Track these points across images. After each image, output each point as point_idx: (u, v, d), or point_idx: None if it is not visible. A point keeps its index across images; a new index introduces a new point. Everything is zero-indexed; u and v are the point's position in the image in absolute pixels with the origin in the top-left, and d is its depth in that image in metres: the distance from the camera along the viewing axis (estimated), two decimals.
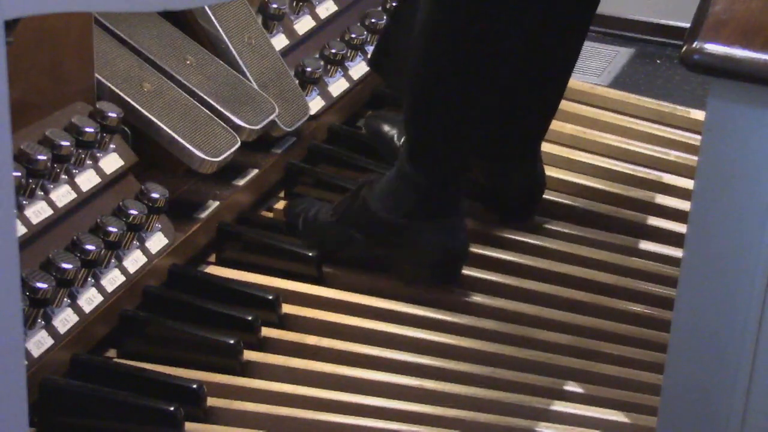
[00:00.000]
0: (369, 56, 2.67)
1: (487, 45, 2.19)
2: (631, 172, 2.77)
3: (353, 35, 2.81)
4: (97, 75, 2.29)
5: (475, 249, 2.49)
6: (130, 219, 2.20)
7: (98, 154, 2.23)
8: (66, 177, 2.15)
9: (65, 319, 2.07)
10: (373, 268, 2.41)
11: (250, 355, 2.20)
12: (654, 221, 2.64)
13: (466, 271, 2.44)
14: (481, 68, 2.22)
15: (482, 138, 2.40)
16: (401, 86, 2.41)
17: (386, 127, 2.68)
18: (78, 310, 2.09)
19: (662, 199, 2.70)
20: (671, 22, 3.60)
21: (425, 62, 2.25)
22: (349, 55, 2.81)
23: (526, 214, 2.57)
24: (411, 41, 2.26)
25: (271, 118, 2.50)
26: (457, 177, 2.34)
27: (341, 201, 2.43)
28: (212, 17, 2.55)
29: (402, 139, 2.52)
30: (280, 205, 2.58)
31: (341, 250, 2.42)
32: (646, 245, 2.57)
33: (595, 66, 3.49)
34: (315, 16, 2.79)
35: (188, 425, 2.04)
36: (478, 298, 2.39)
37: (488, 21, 2.17)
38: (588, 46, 3.57)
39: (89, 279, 2.12)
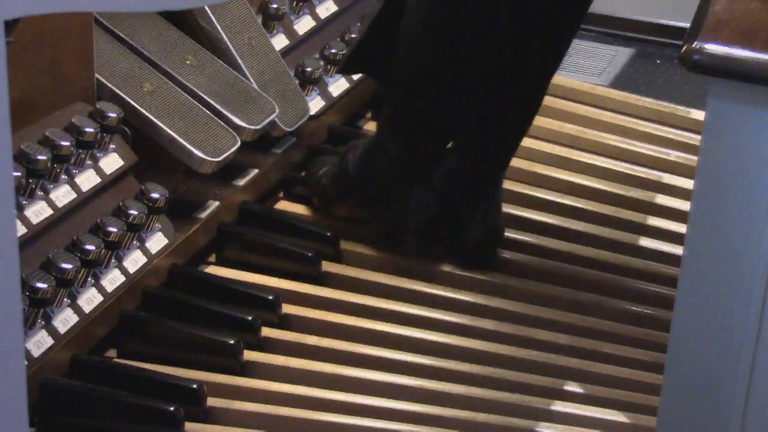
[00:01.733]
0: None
1: (474, 32, 2.21)
2: (631, 172, 2.77)
3: (353, 35, 2.81)
4: (97, 75, 2.29)
5: None
6: (130, 219, 2.20)
7: (98, 154, 2.23)
8: (66, 177, 2.15)
9: (65, 319, 2.07)
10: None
11: (250, 355, 2.20)
12: (654, 221, 2.64)
13: (467, 272, 2.44)
14: (467, 57, 2.25)
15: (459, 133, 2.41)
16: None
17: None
18: (78, 310, 2.09)
19: (662, 199, 2.70)
20: (671, 22, 3.60)
21: (414, 46, 2.28)
22: None
23: (485, 260, 2.46)
24: (401, 28, 2.29)
25: (271, 118, 2.50)
26: (430, 154, 2.39)
27: (332, 168, 2.50)
28: (212, 17, 2.55)
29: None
30: (281, 205, 2.59)
31: (328, 208, 2.50)
32: (646, 245, 2.57)
33: (595, 66, 3.49)
34: (315, 16, 2.79)
35: (188, 425, 2.04)
36: (478, 298, 2.39)
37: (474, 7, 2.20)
38: (588, 46, 3.57)
39: (89, 279, 2.12)
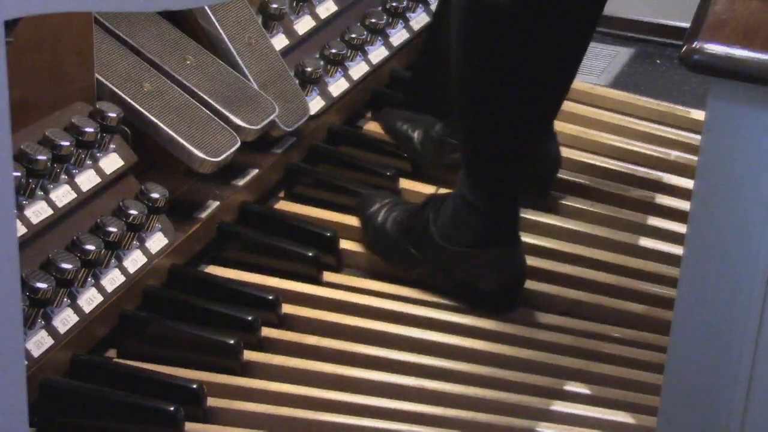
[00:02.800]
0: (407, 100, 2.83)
1: (522, 63, 2.19)
2: (631, 172, 2.77)
3: (353, 35, 2.81)
4: (97, 75, 2.29)
5: None
6: (130, 219, 2.20)
7: (98, 154, 2.23)
8: (66, 177, 2.15)
9: (65, 319, 2.07)
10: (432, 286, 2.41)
11: (250, 355, 2.20)
12: (654, 221, 2.64)
13: None
14: (520, 85, 2.21)
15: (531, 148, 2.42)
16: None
17: (399, 123, 2.71)
18: (78, 310, 2.09)
19: (662, 199, 2.70)
20: (671, 22, 3.60)
21: (468, 91, 2.25)
22: (349, 55, 2.81)
23: (542, 190, 2.64)
24: (451, 71, 2.27)
25: (271, 118, 2.50)
26: (515, 201, 2.32)
27: (408, 215, 2.43)
28: (212, 17, 2.55)
29: (416, 132, 2.60)
30: (281, 205, 2.59)
31: (402, 264, 2.42)
32: (646, 245, 2.57)
33: (595, 66, 3.49)
34: (315, 16, 2.79)
35: (188, 425, 2.04)
36: None
37: (518, 40, 2.17)
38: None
39: (89, 279, 2.12)
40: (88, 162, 2.20)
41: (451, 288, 2.37)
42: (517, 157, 2.30)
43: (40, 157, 2.06)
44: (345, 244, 2.49)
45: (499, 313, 2.35)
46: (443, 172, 2.68)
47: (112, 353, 2.19)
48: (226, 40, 2.55)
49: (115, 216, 2.19)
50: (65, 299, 2.07)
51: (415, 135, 2.69)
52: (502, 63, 2.18)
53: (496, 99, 2.23)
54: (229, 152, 2.38)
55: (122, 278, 2.18)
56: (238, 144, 2.41)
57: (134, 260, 2.22)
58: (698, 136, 2.69)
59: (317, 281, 2.40)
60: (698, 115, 2.94)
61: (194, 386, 2.07)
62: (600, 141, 2.86)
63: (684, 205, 2.66)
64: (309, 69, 2.70)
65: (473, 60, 2.20)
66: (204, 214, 2.41)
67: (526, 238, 2.54)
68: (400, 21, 2.97)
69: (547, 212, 2.63)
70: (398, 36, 2.96)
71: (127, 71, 2.37)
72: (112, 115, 2.23)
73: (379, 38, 2.91)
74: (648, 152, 2.84)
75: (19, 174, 2.04)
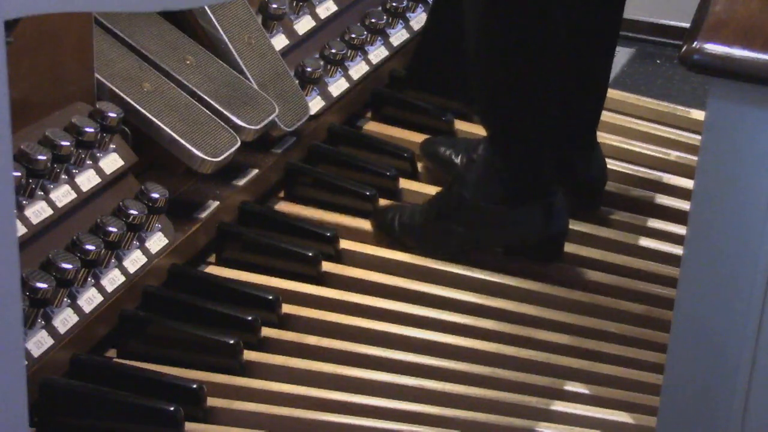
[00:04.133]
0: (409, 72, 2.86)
1: (541, 30, 2.28)
2: (631, 172, 2.77)
3: (353, 35, 2.81)
4: (97, 75, 2.29)
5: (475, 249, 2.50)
6: (130, 219, 2.20)
7: (98, 154, 2.23)
8: (66, 177, 2.15)
9: (65, 319, 2.07)
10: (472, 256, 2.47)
11: (250, 355, 2.20)
12: (654, 221, 2.64)
13: (466, 272, 2.44)
14: (541, 51, 2.31)
15: (554, 124, 2.46)
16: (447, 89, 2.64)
17: (442, 149, 2.72)
18: (78, 310, 2.09)
19: (662, 199, 2.70)
20: (671, 22, 3.60)
21: (493, 61, 2.34)
22: (349, 55, 2.81)
23: (593, 203, 2.62)
24: (470, 45, 2.35)
25: (271, 118, 2.50)
26: (543, 160, 2.40)
27: (433, 201, 2.49)
28: (212, 17, 2.55)
29: (459, 156, 2.62)
30: (281, 205, 2.59)
31: (443, 246, 2.46)
32: (646, 245, 2.57)
33: None
34: (315, 16, 2.79)
35: (188, 425, 2.04)
36: (478, 298, 2.39)
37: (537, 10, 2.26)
38: None
39: (89, 279, 2.12)
40: (88, 162, 2.20)
41: (494, 248, 2.46)
42: (541, 121, 2.38)
43: (40, 157, 2.06)
44: (345, 244, 2.49)
45: (545, 263, 2.45)
46: (443, 174, 2.69)
47: (112, 353, 2.19)
48: (226, 40, 2.55)
49: (115, 216, 2.19)
50: (65, 299, 2.07)
51: (458, 160, 2.69)
52: (521, 31, 2.27)
53: (516, 67, 2.32)
54: (229, 152, 2.38)
55: (122, 278, 2.18)
56: (238, 144, 2.40)
57: (134, 260, 2.21)
58: (698, 136, 2.70)
59: (317, 281, 2.40)
60: (698, 115, 2.94)
61: (194, 386, 2.07)
62: (600, 141, 2.85)
63: (684, 205, 2.66)
64: (309, 69, 2.70)
65: (494, 32, 2.30)
66: (204, 214, 2.41)
67: None
68: (400, 21, 2.97)
69: None
70: (398, 36, 2.95)
71: (127, 71, 2.37)
72: (112, 115, 2.23)
73: (379, 38, 2.91)
74: (648, 152, 2.84)
75: (19, 174, 2.03)
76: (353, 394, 2.15)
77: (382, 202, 2.60)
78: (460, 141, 2.72)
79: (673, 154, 2.83)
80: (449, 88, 2.77)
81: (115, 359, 2.17)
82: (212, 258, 2.43)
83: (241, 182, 2.51)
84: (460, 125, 2.81)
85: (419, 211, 2.49)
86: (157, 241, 2.27)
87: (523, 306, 2.39)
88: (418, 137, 2.77)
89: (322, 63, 2.74)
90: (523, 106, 2.37)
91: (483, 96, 2.42)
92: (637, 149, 2.84)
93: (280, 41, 2.69)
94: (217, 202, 2.44)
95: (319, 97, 2.72)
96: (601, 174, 2.61)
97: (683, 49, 1.47)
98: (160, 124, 2.34)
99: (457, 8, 2.38)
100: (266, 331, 2.25)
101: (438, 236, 2.46)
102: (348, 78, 2.80)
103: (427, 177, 2.71)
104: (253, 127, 2.46)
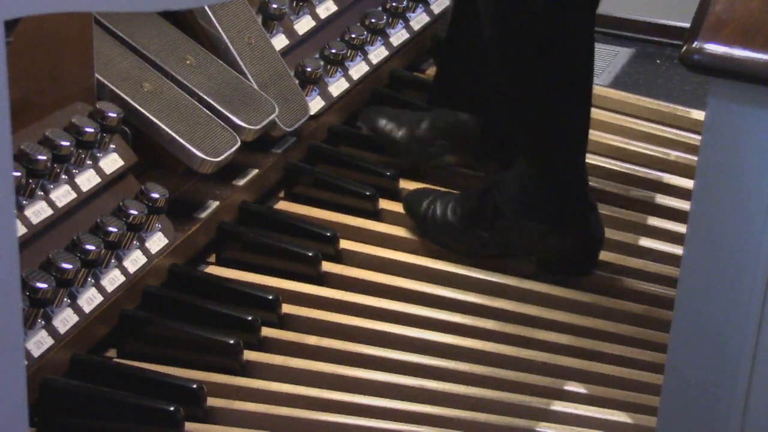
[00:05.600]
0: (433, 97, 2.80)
1: (561, 44, 2.28)
2: (631, 172, 2.77)
3: (353, 35, 2.81)
4: (97, 75, 2.29)
5: None
6: (130, 219, 2.20)
7: (98, 154, 2.23)
8: (66, 177, 2.15)
9: (65, 319, 2.07)
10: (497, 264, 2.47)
11: (250, 355, 2.20)
12: (654, 221, 2.64)
13: (466, 272, 2.44)
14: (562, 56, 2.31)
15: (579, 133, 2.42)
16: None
17: (383, 122, 2.70)
18: (78, 310, 2.09)
19: (662, 199, 2.70)
20: (671, 22, 3.60)
21: (514, 72, 2.32)
22: (349, 55, 2.81)
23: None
24: (491, 58, 2.33)
25: (271, 118, 2.50)
26: (579, 168, 2.38)
27: (466, 202, 2.46)
28: (212, 17, 2.55)
29: (401, 131, 2.60)
30: (281, 205, 2.59)
31: (475, 251, 2.46)
32: (646, 245, 2.57)
33: (595, 66, 3.49)
34: (315, 16, 2.79)
35: (188, 425, 2.04)
36: (478, 298, 2.39)
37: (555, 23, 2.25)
38: None
39: (89, 279, 2.12)
40: (88, 162, 2.20)
41: (527, 259, 2.44)
42: (568, 127, 2.37)
43: (40, 157, 2.06)
44: (345, 244, 2.49)
45: (579, 275, 2.43)
46: (443, 172, 2.69)
47: (112, 353, 2.19)
48: (226, 40, 2.55)
49: (115, 216, 2.19)
50: (65, 299, 2.07)
51: (399, 135, 2.68)
52: (542, 48, 2.26)
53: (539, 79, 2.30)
54: (229, 152, 2.38)
55: (122, 278, 2.18)
56: (238, 144, 2.40)
57: (134, 260, 2.22)
58: (698, 136, 2.70)
59: (317, 281, 2.40)
60: (698, 115, 2.94)
61: (194, 386, 2.07)
62: (600, 141, 2.85)
63: (684, 205, 2.66)
64: (309, 69, 2.70)
65: (514, 49, 2.29)
66: (204, 214, 2.41)
67: None
68: (400, 21, 2.97)
69: None
70: (398, 36, 2.96)
71: (127, 71, 2.37)
72: (112, 115, 2.23)
73: (379, 38, 2.91)
74: (648, 152, 2.84)
75: (19, 174, 2.03)
76: (353, 394, 2.15)
77: (382, 202, 2.60)
78: (403, 115, 2.71)
79: (673, 154, 2.83)
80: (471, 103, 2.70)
81: (115, 359, 2.17)
82: (212, 258, 2.43)
83: (241, 182, 2.51)
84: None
85: (452, 212, 2.47)
86: (157, 241, 2.27)
87: (523, 306, 2.39)
88: None
89: (322, 63, 2.74)
90: (549, 115, 2.35)
91: (509, 112, 2.39)
92: (637, 149, 2.84)
93: (280, 41, 2.69)
94: (217, 202, 2.44)
95: (319, 97, 2.72)
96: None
97: (683, 49, 1.47)
98: (160, 124, 2.34)
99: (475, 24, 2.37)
100: (266, 331, 2.25)
101: (471, 242, 2.46)
102: (348, 78, 2.80)
103: (427, 177, 2.71)
104: (253, 127, 2.46)
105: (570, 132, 2.37)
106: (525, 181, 2.38)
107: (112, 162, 2.25)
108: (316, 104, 2.71)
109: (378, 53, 2.89)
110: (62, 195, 2.13)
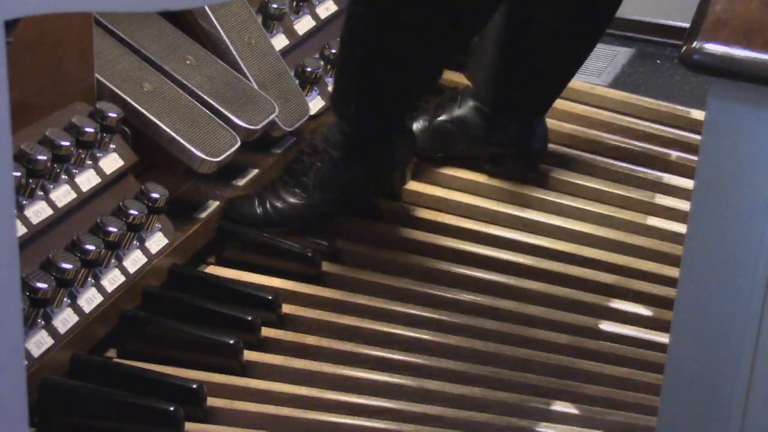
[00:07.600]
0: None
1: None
2: (631, 172, 2.77)
3: None
4: (97, 75, 2.29)
5: (475, 249, 2.50)
6: (130, 219, 2.20)
7: (98, 154, 2.23)
8: (66, 177, 2.15)
9: (65, 319, 2.07)
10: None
11: (250, 355, 2.20)
12: (654, 221, 2.64)
13: (466, 271, 2.44)
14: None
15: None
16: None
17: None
18: (78, 310, 2.09)
19: (662, 199, 2.70)
20: (671, 22, 3.60)
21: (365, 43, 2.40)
22: None
23: (533, 168, 2.72)
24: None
25: (271, 118, 2.50)
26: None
27: (298, 181, 2.49)
28: (212, 17, 2.55)
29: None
30: None
31: (326, 217, 2.50)
32: (645, 245, 2.57)
33: (595, 66, 3.49)
34: (315, 16, 2.80)
35: (188, 425, 2.04)
36: (478, 298, 2.39)
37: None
38: None
39: (89, 279, 2.12)
40: (88, 162, 2.20)
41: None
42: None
43: (40, 157, 2.06)
44: (345, 244, 2.49)
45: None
46: (443, 171, 2.69)
47: (112, 353, 2.19)
48: (226, 40, 2.55)
49: (115, 216, 2.19)
50: (65, 299, 2.07)
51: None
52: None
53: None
54: (229, 152, 2.38)
55: (122, 278, 2.18)
56: (238, 144, 2.40)
57: (134, 260, 2.22)
58: (698, 136, 2.69)
59: (317, 281, 2.40)
60: (698, 115, 2.94)
61: (194, 386, 2.07)
62: (600, 141, 2.85)
63: (684, 205, 2.66)
64: (309, 69, 2.70)
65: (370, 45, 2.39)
66: (204, 214, 2.41)
67: (526, 239, 2.55)
68: None
69: (546, 212, 2.63)
70: None
71: (127, 71, 2.37)
72: (112, 115, 2.23)
73: None
74: (648, 152, 2.84)
75: (19, 174, 2.03)
76: (353, 394, 2.15)
77: (383, 202, 2.60)
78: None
79: (673, 154, 2.83)
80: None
81: (115, 359, 2.17)
82: (212, 258, 2.43)
83: (241, 182, 2.51)
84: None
85: (283, 194, 2.48)
86: (157, 241, 2.27)
87: (523, 306, 2.39)
88: None
89: (322, 63, 2.74)
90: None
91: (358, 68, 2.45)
92: (637, 149, 2.84)
93: (280, 41, 2.69)
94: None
95: (319, 97, 2.72)
96: (544, 145, 2.69)
97: (683, 49, 1.47)
98: (160, 124, 2.34)
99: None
100: (266, 331, 2.26)
101: (323, 211, 2.50)
102: None
103: (427, 177, 2.71)
104: (253, 127, 2.46)
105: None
106: (333, 166, 2.48)
107: (112, 162, 2.25)
108: (316, 104, 2.71)
109: None
110: (62, 195, 2.13)
